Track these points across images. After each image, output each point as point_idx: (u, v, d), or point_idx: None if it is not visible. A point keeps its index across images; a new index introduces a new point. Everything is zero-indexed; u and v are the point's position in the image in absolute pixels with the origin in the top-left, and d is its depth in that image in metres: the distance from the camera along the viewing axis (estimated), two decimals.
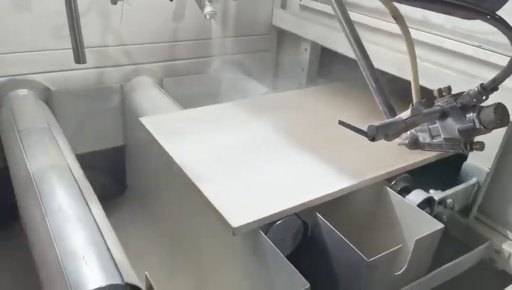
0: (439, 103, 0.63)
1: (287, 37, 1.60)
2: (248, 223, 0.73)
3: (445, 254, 0.95)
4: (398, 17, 0.61)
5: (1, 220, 1.28)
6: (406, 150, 0.95)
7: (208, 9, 1.21)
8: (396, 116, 0.58)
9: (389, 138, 0.59)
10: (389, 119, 0.57)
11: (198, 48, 1.44)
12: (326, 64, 1.53)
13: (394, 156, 0.95)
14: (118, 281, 0.63)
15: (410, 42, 0.62)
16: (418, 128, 0.68)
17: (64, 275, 0.62)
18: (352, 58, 1.20)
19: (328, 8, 1.32)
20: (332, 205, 0.85)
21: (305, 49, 1.47)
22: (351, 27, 0.62)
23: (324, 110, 1.19)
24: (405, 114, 0.59)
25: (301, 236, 0.85)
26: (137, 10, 1.27)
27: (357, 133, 0.59)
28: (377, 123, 0.56)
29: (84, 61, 0.76)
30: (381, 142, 0.91)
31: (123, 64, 1.33)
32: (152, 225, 1.23)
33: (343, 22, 0.61)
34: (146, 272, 0.65)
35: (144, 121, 1.05)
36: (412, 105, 0.66)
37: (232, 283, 0.81)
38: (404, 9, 0.65)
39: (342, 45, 1.23)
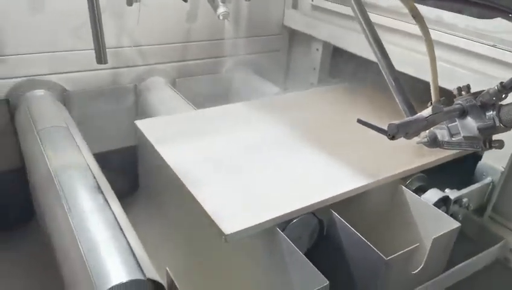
0: (459, 101, 0.63)
1: (298, 37, 1.61)
2: (245, 229, 0.70)
3: (460, 254, 0.95)
4: (417, 16, 0.61)
5: (17, 220, 1.30)
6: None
7: (221, 9, 1.23)
8: (417, 115, 0.58)
9: (409, 136, 0.59)
10: (409, 118, 0.57)
11: (210, 48, 1.45)
12: (337, 64, 1.53)
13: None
14: (140, 276, 0.63)
15: (429, 41, 0.63)
16: (436, 127, 0.68)
17: (88, 271, 0.63)
18: (364, 58, 1.23)
19: (340, 8, 1.32)
20: (347, 204, 0.85)
21: (317, 49, 1.47)
22: (370, 27, 0.62)
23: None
24: (426, 112, 0.59)
25: (317, 235, 0.86)
26: (152, 11, 1.28)
27: (377, 131, 0.60)
28: (397, 121, 0.56)
29: (105, 62, 0.78)
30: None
31: (137, 65, 1.34)
32: (163, 224, 1.24)
33: (363, 22, 0.62)
34: (167, 268, 0.66)
35: (139, 124, 1.02)
36: (431, 104, 0.66)
37: (249, 280, 0.81)
38: (419, 8, 0.66)
39: (355, 45, 1.23)
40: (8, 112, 1.17)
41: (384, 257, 0.71)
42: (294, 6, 1.54)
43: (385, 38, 1.15)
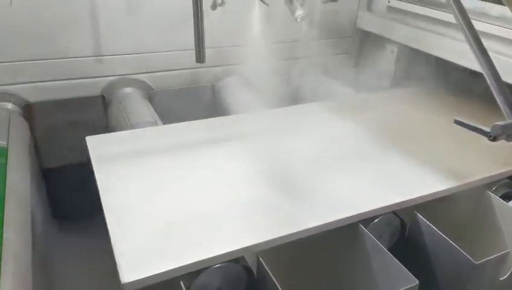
0: None
1: (370, 40, 1.60)
2: (152, 276, 0.60)
3: None
4: None
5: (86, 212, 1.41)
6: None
7: (299, 12, 1.26)
8: None
9: (510, 138, 0.58)
10: None
11: (285, 50, 1.49)
12: (411, 67, 1.50)
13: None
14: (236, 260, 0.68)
15: None
16: None
17: None
18: (440, 60, 1.20)
19: (419, 9, 1.30)
20: (430, 206, 0.84)
21: (392, 52, 1.46)
22: (469, 26, 0.62)
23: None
24: None
25: (398, 235, 0.86)
26: (231, 14, 1.34)
27: (476, 132, 0.60)
28: (501, 122, 0.56)
29: (204, 61, 0.83)
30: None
31: (215, 65, 1.41)
32: None
33: (462, 22, 0.62)
34: (258, 255, 0.70)
35: (90, 140, 0.92)
36: None
37: (334, 273, 0.83)
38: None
39: (438, 47, 1.21)
40: (103, 106, 1.28)
41: (474, 261, 0.70)
42: (369, 8, 1.54)
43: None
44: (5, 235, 0.74)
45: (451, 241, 0.74)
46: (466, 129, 0.79)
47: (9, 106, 1.16)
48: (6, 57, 1.14)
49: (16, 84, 1.17)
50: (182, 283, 0.64)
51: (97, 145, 0.91)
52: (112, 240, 0.65)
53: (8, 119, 1.09)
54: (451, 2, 0.62)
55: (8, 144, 0.99)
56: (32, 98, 1.20)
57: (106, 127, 1.27)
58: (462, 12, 0.60)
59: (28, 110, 1.20)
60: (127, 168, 0.85)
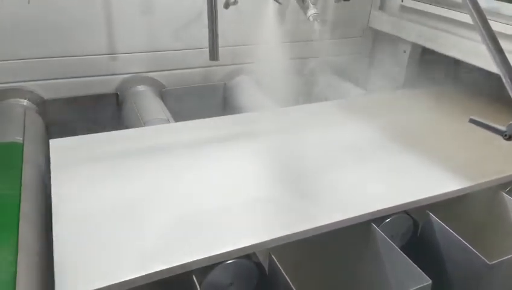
0: None
1: (382, 39, 1.59)
2: None
3: None
4: None
5: None
6: None
7: (312, 11, 1.26)
8: None
9: None
10: None
11: (295, 49, 1.49)
12: (423, 67, 1.49)
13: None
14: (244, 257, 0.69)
15: None
16: None
17: None
18: (455, 59, 1.19)
19: (433, 9, 1.29)
20: (443, 207, 0.84)
21: (404, 51, 1.45)
22: (486, 26, 0.62)
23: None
24: None
25: (410, 235, 0.86)
26: (244, 13, 1.35)
27: (491, 131, 0.59)
28: None
29: (217, 59, 0.84)
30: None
31: (227, 64, 1.42)
32: None
33: (478, 20, 0.62)
34: (269, 252, 0.71)
35: (53, 143, 0.87)
36: None
37: (346, 271, 0.83)
38: None
39: (451, 46, 1.20)
40: (117, 104, 1.30)
41: (488, 261, 0.70)
42: (382, 7, 1.53)
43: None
44: (20, 230, 0.75)
45: (464, 241, 0.74)
46: (479, 129, 0.79)
47: (25, 102, 1.18)
48: (22, 54, 1.16)
49: (31, 81, 1.19)
50: (194, 278, 0.64)
51: (60, 149, 0.87)
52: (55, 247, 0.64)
53: (23, 116, 1.11)
54: (468, 2, 0.62)
55: (23, 140, 1.00)
56: (47, 95, 1.22)
57: (120, 124, 1.29)
58: (479, 12, 0.60)
59: (43, 107, 1.22)
60: (90, 172, 0.81)
